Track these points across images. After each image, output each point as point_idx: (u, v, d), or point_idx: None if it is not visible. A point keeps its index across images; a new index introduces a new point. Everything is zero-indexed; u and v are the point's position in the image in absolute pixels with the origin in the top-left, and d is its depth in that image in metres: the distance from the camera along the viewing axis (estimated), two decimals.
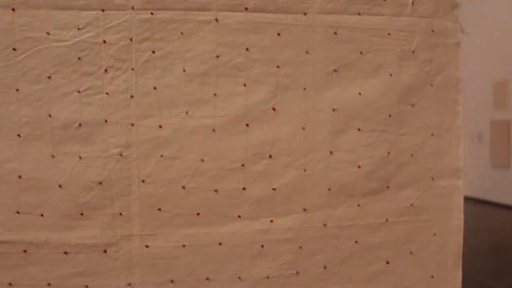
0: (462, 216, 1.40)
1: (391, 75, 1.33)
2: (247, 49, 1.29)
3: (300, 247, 1.33)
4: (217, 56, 1.29)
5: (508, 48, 7.48)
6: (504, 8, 7.72)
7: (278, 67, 1.29)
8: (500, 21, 7.80)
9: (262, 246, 1.32)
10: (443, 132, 1.38)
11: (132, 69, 1.25)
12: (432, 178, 1.37)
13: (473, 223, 6.70)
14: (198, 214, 1.30)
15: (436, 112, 1.37)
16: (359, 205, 1.34)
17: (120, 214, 1.27)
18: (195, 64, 1.29)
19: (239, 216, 1.31)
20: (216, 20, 1.29)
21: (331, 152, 1.31)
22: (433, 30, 1.35)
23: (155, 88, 1.27)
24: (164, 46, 1.28)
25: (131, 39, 1.26)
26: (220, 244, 1.32)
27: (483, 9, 8.16)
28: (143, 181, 1.27)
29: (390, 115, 1.33)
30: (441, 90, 1.36)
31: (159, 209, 1.29)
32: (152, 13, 1.26)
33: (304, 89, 1.30)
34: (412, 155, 1.36)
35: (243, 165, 1.30)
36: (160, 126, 1.28)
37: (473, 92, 8.46)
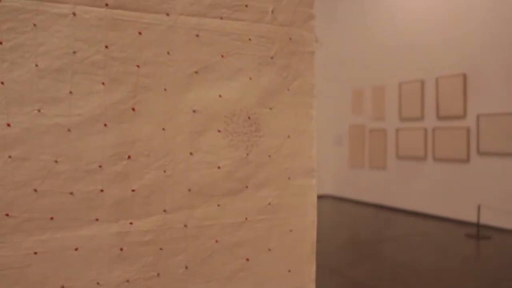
0: (316, 213, 1.52)
1: (250, 78, 1.39)
2: (106, 47, 1.26)
3: (161, 249, 1.33)
4: (74, 52, 1.24)
5: (363, 61, 8.44)
6: (360, 24, 8.67)
7: (138, 66, 1.28)
8: (357, 36, 8.75)
9: (121, 249, 1.30)
10: (298, 134, 1.48)
11: None
12: (289, 178, 1.47)
13: (333, 218, 7.31)
14: (51, 218, 1.24)
15: (292, 116, 1.47)
16: (219, 205, 1.38)
17: None
18: (49, 59, 1.22)
19: (97, 219, 1.27)
20: (74, 14, 1.24)
21: (191, 153, 1.34)
22: (290, 38, 1.45)
23: (2, 83, 1.18)
24: (13, 38, 1.19)
25: None
26: (76, 249, 1.26)
27: (344, 24, 9.10)
28: None
29: (249, 117, 1.40)
30: (297, 95, 1.47)
31: (7, 215, 1.20)
32: None
33: (165, 89, 1.31)
34: (270, 156, 1.44)
35: (100, 166, 1.26)
36: (8, 125, 1.19)
37: (334, 98, 9.44)
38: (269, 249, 1.46)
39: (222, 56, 1.36)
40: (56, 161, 1.23)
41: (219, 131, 1.36)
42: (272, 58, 1.42)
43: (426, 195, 7.18)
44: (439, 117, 7.06)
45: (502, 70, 5.96)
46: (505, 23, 5.98)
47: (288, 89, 1.45)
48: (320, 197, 5.71)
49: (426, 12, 7.07)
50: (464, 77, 6.56)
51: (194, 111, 1.34)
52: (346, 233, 6.22)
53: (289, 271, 1.49)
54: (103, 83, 1.26)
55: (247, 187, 1.41)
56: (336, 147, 9.09)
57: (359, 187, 8.51)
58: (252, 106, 1.40)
